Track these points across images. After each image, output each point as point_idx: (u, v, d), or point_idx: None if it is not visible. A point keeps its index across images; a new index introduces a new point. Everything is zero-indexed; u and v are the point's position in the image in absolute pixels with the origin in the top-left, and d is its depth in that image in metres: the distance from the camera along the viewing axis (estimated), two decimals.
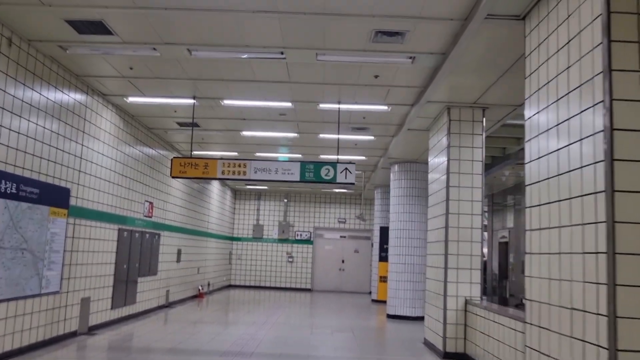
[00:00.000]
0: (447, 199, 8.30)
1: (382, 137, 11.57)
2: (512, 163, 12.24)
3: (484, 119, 8.50)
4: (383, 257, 17.84)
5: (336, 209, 22.47)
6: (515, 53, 6.19)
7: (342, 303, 17.12)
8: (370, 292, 21.58)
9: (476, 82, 7.32)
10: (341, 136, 11.47)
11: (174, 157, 8.97)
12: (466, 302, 8.13)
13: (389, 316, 13.35)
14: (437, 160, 9.10)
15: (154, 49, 7.01)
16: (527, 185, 5.03)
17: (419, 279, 13.13)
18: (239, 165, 8.91)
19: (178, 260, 14.40)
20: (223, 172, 8.89)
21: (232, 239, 22.37)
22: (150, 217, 11.97)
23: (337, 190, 21.14)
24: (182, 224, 14.69)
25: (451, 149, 8.41)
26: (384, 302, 17.35)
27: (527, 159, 5.08)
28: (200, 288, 16.75)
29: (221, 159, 8.97)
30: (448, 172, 8.36)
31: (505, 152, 12.03)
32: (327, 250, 22.42)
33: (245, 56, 7.12)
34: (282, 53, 6.99)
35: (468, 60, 6.48)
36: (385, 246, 17.83)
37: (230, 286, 22.04)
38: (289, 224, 22.35)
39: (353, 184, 9.01)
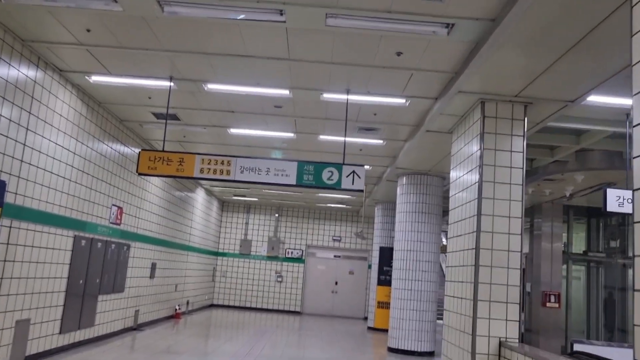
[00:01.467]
0: (479, 214, 6.65)
1: (392, 141, 9.95)
2: (539, 178, 10.65)
3: (526, 117, 6.90)
4: (382, 281, 16.13)
5: (331, 226, 20.78)
6: (593, 18, 4.60)
7: (335, 330, 15.36)
8: (365, 318, 19.82)
9: (526, 65, 5.72)
10: (342, 138, 9.82)
11: (142, 150, 7.28)
12: (500, 345, 6.44)
13: (391, 350, 11.61)
14: (463, 168, 7.47)
15: None
16: None
17: (427, 308, 11.42)
18: (222, 163, 7.23)
19: (152, 276, 12.63)
20: (202, 171, 7.20)
21: (217, 254, 20.59)
22: (119, 224, 10.23)
23: (332, 206, 19.48)
24: (158, 234, 12.95)
25: (485, 152, 6.79)
26: (383, 330, 15.63)
27: None
28: (177, 308, 14.94)
29: (200, 154, 7.29)
30: (481, 181, 6.74)
31: (532, 164, 10.43)
32: (320, 270, 20.68)
33: (233, 16, 5.49)
34: (281, 13, 5.37)
35: (527, 27, 4.88)
36: (385, 268, 16.14)
37: (212, 306, 20.20)
38: (279, 240, 20.63)
39: (361, 191, 7.35)
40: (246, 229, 20.80)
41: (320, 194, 16.82)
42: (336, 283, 20.53)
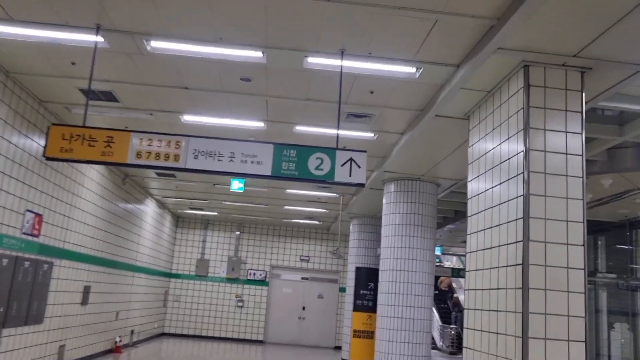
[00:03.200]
0: (527, 216, 4.80)
1: (386, 134, 8.07)
2: None
3: (583, 90, 5.13)
4: (359, 306, 14.14)
5: (298, 244, 18.74)
6: None
7: None
8: (336, 348, 17.74)
9: (600, 5, 3.99)
10: (326, 130, 7.90)
11: (53, 124, 5.16)
12: None
13: None
14: (493, 156, 5.64)
15: None
16: None
17: (421, 340, 9.49)
18: (169, 144, 5.17)
19: (84, 302, 10.32)
20: (139, 155, 5.12)
21: (170, 275, 18.23)
22: (36, 235, 7.98)
23: (300, 222, 17.46)
24: (94, 251, 10.67)
25: (531, 133, 4.97)
26: None
27: None
28: (118, 340, 12.56)
29: (137, 131, 5.22)
30: (527, 170, 4.90)
31: None
32: (286, 293, 18.55)
33: None
34: None
35: None
36: (362, 292, 14.19)
37: (163, 335, 17.76)
38: (240, 260, 18.44)
39: (362, 185, 5.40)
40: (203, 247, 18.55)
41: (287, 207, 14.82)
42: (304, 308, 18.44)
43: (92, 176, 10.22)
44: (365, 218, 14.48)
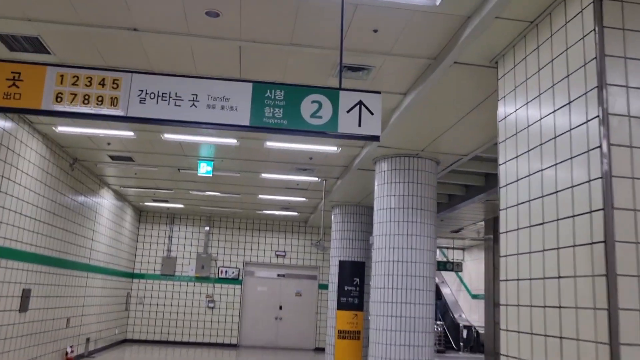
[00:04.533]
0: (609, 174, 3.45)
1: (384, 96, 6.65)
2: None
3: None
4: (344, 304, 12.76)
5: (274, 238, 17.26)
6: None
7: None
8: (316, 349, 16.34)
9: None
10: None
11: None
12: None
13: None
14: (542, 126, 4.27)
15: None
16: None
17: (424, 342, 8.14)
18: (102, 83, 3.66)
19: (23, 308, 8.67)
20: (59, 98, 3.59)
21: (133, 275, 16.55)
22: None
23: (276, 214, 15.97)
24: (35, 247, 9.03)
25: (608, 61, 3.63)
26: None
27: None
28: (69, 350, 10.91)
29: (56, 65, 3.69)
30: (604, 113, 3.55)
31: None
32: (261, 292, 17.06)
33: None
34: None
35: None
36: (347, 288, 12.81)
37: (125, 341, 16.08)
38: (210, 257, 16.86)
39: (377, 138, 3.95)
40: (169, 244, 16.92)
41: (262, 195, 13.33)
42: (280, 307, 16.97)
43: (30, 157, 8.57)
44: (349, 206, 13.10)
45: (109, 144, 9.38)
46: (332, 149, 9.02)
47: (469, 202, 11.13)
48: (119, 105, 3.56)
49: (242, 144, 8.95)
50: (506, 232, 4.64)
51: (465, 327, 18.60)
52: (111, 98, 3.58)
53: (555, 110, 4.06)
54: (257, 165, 10.38)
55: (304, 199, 13.46)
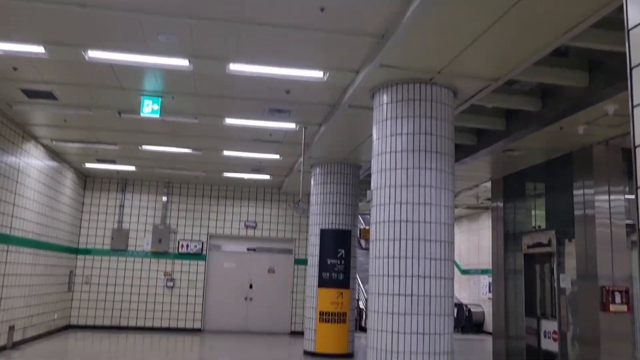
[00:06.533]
0: None
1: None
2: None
3: None
4: (327, 281, 10.72)
5: (242, 207, 15.02)
6: None
7: None
8: (291, 333, 14.29)
9: None
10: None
11: None
12: None
13: None
14: None
15: None
16: None
17: (441, 329, 6.07)
18: None
19: None
20: None
21: (77, 251, 14.15)
22: None
23: (245, 177, 13.71)
24: None
25: None
26: (328, 357, 10.24)
27: None
28: None
29: None
30: None
31: None
32: (228, 269, 14.85)
33: None
34: None
35: None
36: (330, 261, 10.74)
37: (69, 328, 13.75)
38: (169, 229, 14.55)
39: None
40: (121, 214, 14.54)
41: (228, 152, 11.04)
42: (251, 286, 14.80)
43: None
44: (332, 165, 10.95)
45: (15, 69, 6.97)
46: (317, 74, 6.78)
47: (482, 154, 9.06)
48: None
49: (198, 67, 6.64)
50: None
51: (455, 305, 16.71)
52: None
53: None
54: (219, 104, 8.10)
55: (278, 157, 11.22)
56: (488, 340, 14.27)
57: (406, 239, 6.16)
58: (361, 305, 17.27)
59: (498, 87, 6.55)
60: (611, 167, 8.12)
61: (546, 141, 8.19)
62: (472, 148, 9.27)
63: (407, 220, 6.20)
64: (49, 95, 7.92)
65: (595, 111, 6.81)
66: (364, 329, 16.12)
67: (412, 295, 6.06)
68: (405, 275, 6.10)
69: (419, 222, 6.18)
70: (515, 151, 8.78)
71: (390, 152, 6.44)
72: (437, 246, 6.18)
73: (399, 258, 6.16)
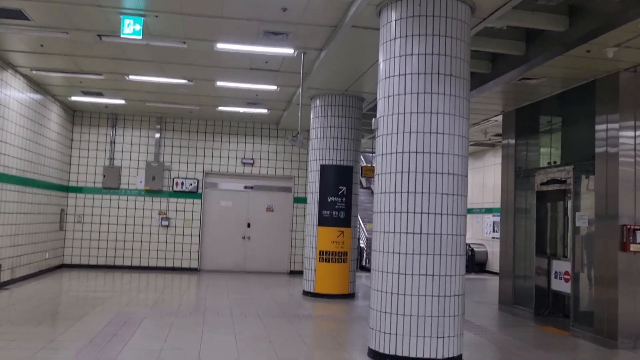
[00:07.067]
0: None
1: None
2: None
3: None
4: (327, 219, 10.24)
5: (239, 143, 14.39)
6: None
7: (253, 302, 9.28)
8: (290, 272, 13.99)
9: None
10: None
11: None
12: None
13: (375, 353, 5.70)
14: None
15: None
16: None
17: (452, 270, 5.58)
18: None
19: None
20: None
21: (68, 189, 13.62)
22: None
23: (242, 111, 13.00)
24: None
25: None
26: (328, 297, 9.92)
27: None
28: None
29: None
30: None
31: None
32: (225, 208, 14.37)
33: None
34: None
35: None
36: (330, 199, 10.23)
37: (62, 267, 13.40)
38: (163, 166, 13.97)
39: None
40: (112, 151, 13.92)
41: (221, 83, 10.30)
42: (249, 225, 14.37)
43: None
44: (333, 96, 10.25)
45: None
46: None
47: (496, 83, 8.34)
48: None
49: None
50: None
51: None
52: None
53: None
54: (209, 26, 7.32)
55: (275, 88, 10.49)
56: (491, 280, 13.98)
57: (415, 172, 5.56)
58: (362, 244, 16.94)
59: (521, 1, 5.78)
60: (639, 97, 7.43)
61: (568, 67, 7.46)
62: (484, 77, 8.54)
63: (416, 152, 5.58)
64: (19, 15, 7.13)
65: (627, 30, 6.08)
66: (364, 269, 15.83)
67: (421, 233, 5.51)
68: (414, 212, 5.54)
69: (429, 153, 5.56)
70: (533, 79, 8.06)
71: (399, 75, 5.74)
72: (449, 180, 5.59)
73: (407, 193, 5.58)
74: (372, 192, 23.63)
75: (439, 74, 5.63)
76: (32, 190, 11.09)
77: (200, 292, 10.73)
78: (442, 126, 5.59)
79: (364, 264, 16.19)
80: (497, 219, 15.84)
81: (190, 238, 13.96)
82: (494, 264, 16.04)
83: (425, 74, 5.63)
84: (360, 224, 17.34)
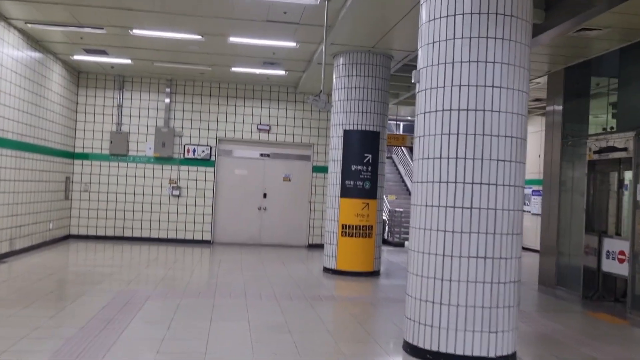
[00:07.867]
0: None
1: None
2: None
3: None
4: (351, 190, 9.33)
5: (255, 108, 13.44)
6: None
7: (269, 279, 8.46)
8: (309, 246, 13.18)
9: None
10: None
11: None
12: None
13: (412, 347, 4.83)
14: None
15: None
16: None
17: (508, 252, 4.63)
18: None
19: None
20: None
21: (73, 155, 12.84)
22: None
23: (258, 73, 12.02)
24: None
25: None
26: (351, 275, 9.06)
27: None
28: None
29: None
30: None
31: None
32: (239, 176, 13.51)
33: None
34: None
35: None
36: (354, 168, 9.29)
37: (69, 237, 12.71)
38: (173, 132, 13.10)
39: None
40: (120, 115, 13.06)
41: (234, 38, 9.31)
42: (265, 196, 13.51)
43: None
44: (358, 54, 9.23)
45: None
46: None
47: (548, 35, 7.23)
48: None
49: None
50: None
51: None
52: None
53: None
54: None
55: (295, 44, 9.48)
56: (527, 256, 13.04)
57: (465, 134, 4.59)
58: (384, 217, 16.04)
59: None
60: None
61: (638, 14, 6.36)
62: (535, 28, 7.43)
63: (467, 109, 4.60)
64: None
65: None
66: (387, 242, 14.97)
67: (471, 207, 4.57)
68: (463, 182, 4.59)
69: (483, 111, 4.57)
70: (594, 29, 6.96)
71: (447, 16, 4.73)
72: (506, 144, 4.61)
73: (455, 159, 4.62)
74: (394, 162, 22.59)
75: (496, 13, 4.60)
76: (32, 156, 10.30)
77: (212, 267, 9.94)
78: (499, 78, 4.59)
79: (386, 237, 15.32)
80: (530, 191, 14.80)
81: (203, 209, 13.15)
82: (526, 239, 15.05)
83: (480, 13, 4.61)
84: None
